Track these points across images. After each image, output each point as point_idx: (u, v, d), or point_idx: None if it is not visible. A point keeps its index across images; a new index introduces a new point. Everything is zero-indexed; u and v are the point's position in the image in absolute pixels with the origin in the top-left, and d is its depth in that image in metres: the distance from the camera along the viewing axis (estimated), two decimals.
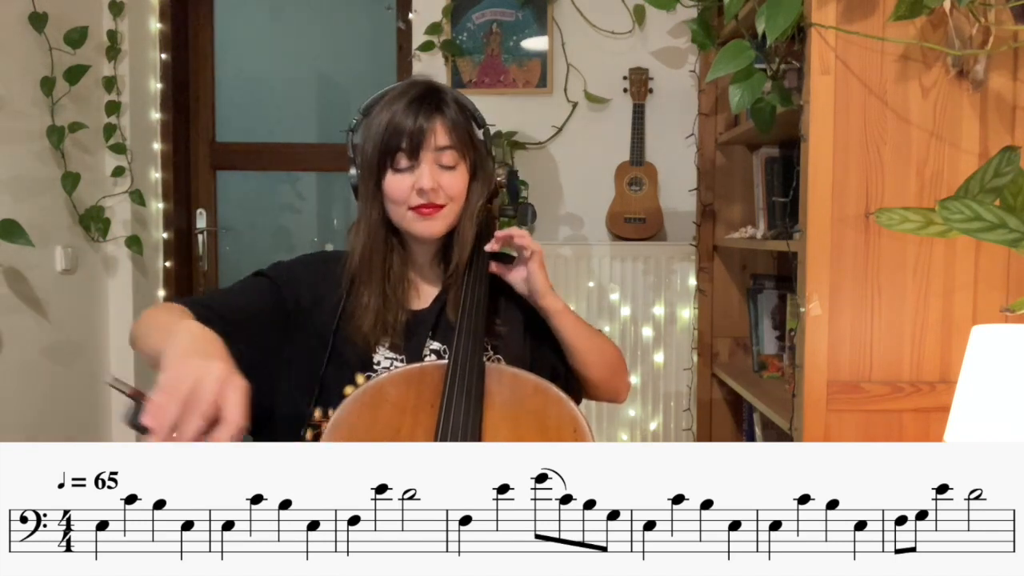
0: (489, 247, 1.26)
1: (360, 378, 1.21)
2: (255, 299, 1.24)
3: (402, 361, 1.24)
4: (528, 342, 1.32)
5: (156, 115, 2.95)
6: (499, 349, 1.28)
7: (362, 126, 1.26)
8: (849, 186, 1.50)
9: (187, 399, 0.81)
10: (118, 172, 2.76)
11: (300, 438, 1.20)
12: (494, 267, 1.29)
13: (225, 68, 3.24)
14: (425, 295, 1.31)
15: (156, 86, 2.95)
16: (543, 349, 1.32)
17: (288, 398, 1.23)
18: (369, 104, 1.26)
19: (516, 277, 1.29)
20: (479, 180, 1.27)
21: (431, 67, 2.91)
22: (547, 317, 1.28)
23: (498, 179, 1.35)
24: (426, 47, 2.89)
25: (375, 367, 1.24)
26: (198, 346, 0.91)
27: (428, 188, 1.19)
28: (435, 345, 1.26)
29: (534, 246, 1.25)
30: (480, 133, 1.29)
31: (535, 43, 2.92)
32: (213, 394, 0.82)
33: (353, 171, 1.28)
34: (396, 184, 1.21)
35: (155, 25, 2.94)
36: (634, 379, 2.85)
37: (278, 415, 1.23)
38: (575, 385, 1.34)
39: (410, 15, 2.92)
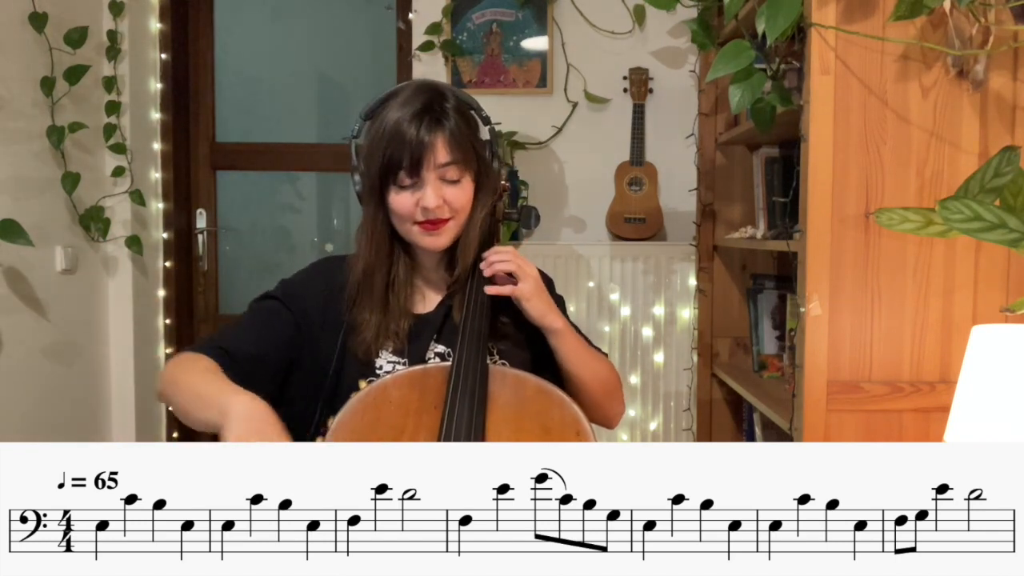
0: (488, 290, 1.22)
1: (362, 383, 1.21)
2: (272, 332, 1.24)
3: (404, 364, 1.23)
4: (532, 344, 1.31)
5: (156, 115, 2.95)
6: (503, 352, 1.28)
7: (364, 133, 1.25)
8: (849, 186, 1.50)
9: None
10: (118, 172, 2.76)
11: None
12: (490, 289, 1.23)
13: (225, 68, 3.24)
14: (430, 299, 1.31)
15: (156, 86, 2.95)
16: (541, 359, 1.31)
17: (297, 407, 1.23)
18: (370, 109, 1.25)
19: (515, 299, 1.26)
20: (484, 190, 1.26)
21: (431, 67, 2.91)
22: (546, 336, 1.26)
23: (503, 182, 1.35)
24: (426, 47, 2.89)
25: (377, 371, 1.23)
26: (254, 426, 0.97)
27: (433, 207, 1.19)
28: (440, 348, 1.26)
29: (517, 291, 1.22)
30: (486, 132, 1.28)
31: (535, 43, 2.92)
32: None
33: (357, 177, 1.27)
34: (400, 201, 1.20)
35: (155, 25, 2.94)
36: (634, 379, 2.85)
37: (290, 423, 1.23)
38: None
39: (410, 15, 2.92)
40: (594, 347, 1.39)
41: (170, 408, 1.14)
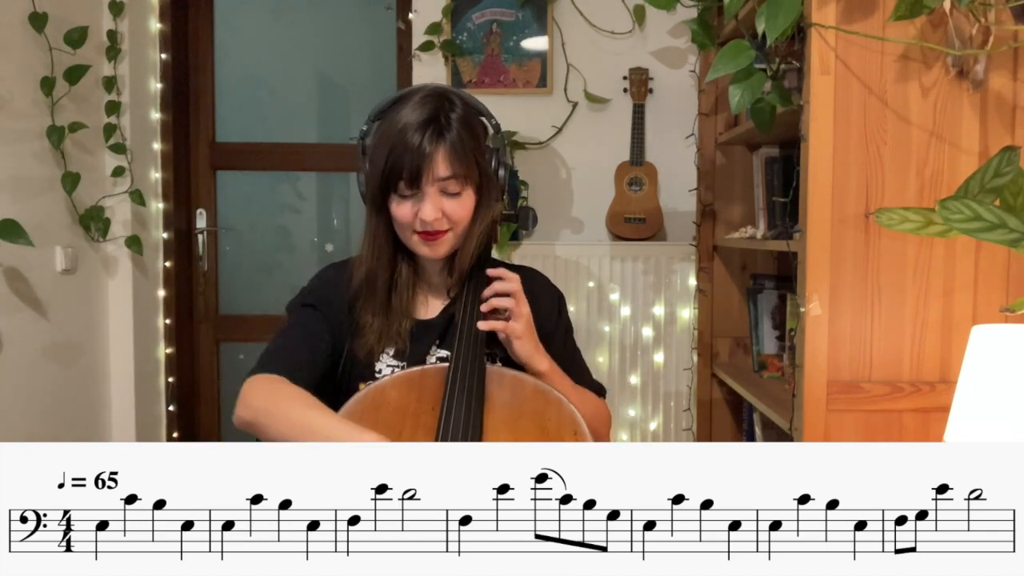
0: (481, 325, 1.21)
1: (361, 385, 1.21)
2: (318, 340, 1.25)
3: (403, 367, 1.23)
4: None
5: (156, 115, 2.95)
6: (503, 354, 1.27)
7: (372, 133, 1.25)
8: (849, 186, 1.50)
9: None
10: (118, 172, 2.76)
11: None
12: (483, 326, 1.22)
13: (225, 68, 3.24)
14: (433, 305, 1.31)
15: (156, 86, 2.95)
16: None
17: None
18: (379, 111, 1.25)
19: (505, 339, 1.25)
20: (486, 201, 1.24)
21: (431, 67, 2.91)
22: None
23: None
24: (426, 47, 2.89)
25: (376, 374, 1.23)
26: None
27: (430, 219, 1.18)
28: (442, 353, 1.26)
29: (509, 329, 1.20)
30: (491, 140, 1.26)
31: (535, 43, 2.92)
32: None
33: (362, 178, 1.27)
34: (401, 211, 1.20)
35: (155, 25, 2.94)
36: (634, 379, 2.85)
37: None
38: None
39: (410, 15, 2.92)
40: (590, 380, 1.37)
41: (258, 436, 1.11)
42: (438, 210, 1.19)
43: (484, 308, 1.22)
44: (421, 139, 1.16)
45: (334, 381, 1.27)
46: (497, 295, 1.22)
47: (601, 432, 1.33)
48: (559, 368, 1.27)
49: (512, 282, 1.22)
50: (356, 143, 1.28)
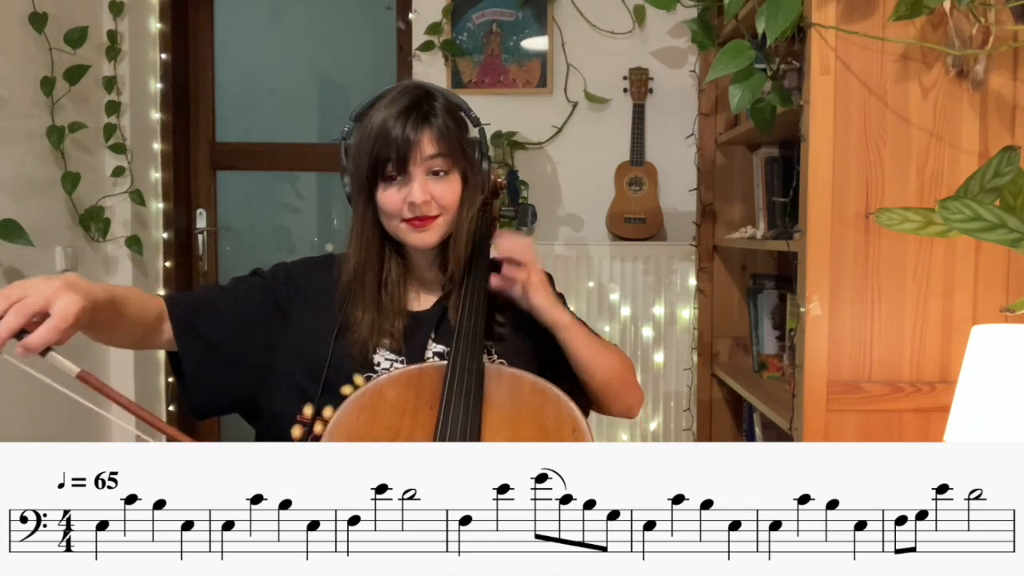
0: (493, 255, 1.23)
1: (359, 379, 1.21)
2: (243, 298, 1.26)
3: (402, 363, 1.23)
4: (535, 344, 1.30)
5: (156, 115, 2.95)
6: (502, 353, 1.27)
7: (353, 133, 1.26)
8: (849, 186, 1.50)
9: (14, 300, 0.95)
10: (118, 172, 2.76)
11: (288, 434, 1.20)
12: (495, 281, 1.25)
13: (225, 68, 3.24)
14: (425, 298, 1.31)
15: (156, 86, 2.95)
16: (551, 356, 1.29)
17: (283, 397, 1.22)
18: (360, 111, 1.26)
19: (517, 295, 1.26)
20: (472, 187, 1.26)
21: (431, 67, 2.91)
22: (553, 332, 1.25)
23: (499, 180, 1.35)
24: (426, 47, 2.89)
25: (375, 368, 1.23)
26: (50, 277, 1.00)
27: (420, 202, 1.19)
28: (438, 348, 1.26)
29: (522, 276, 1.22)
30: (475, 131, 1.29)
31: (535, 43, 2.92)
32: (42, 299, 0.96)
33: (346, 179, 1.27)
34: (388, 198, 1.20)
35: (155, 25, 2.94)
36: None
37: (274, 413, 1.23)
38: (583, 400, 1.30)
39: (410, 15, 2.92)
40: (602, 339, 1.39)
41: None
42: (427, 192, 1.19)
43: (502, 250, 1.23)
44: (405, 125, 1.18)
45: (287, 355, 1.25)
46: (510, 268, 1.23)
47: (631, 383, 1.35)
48: (580, 320, 1.28)
49: (525, 250, 1.23)
50: (339, 144, 1.28)
